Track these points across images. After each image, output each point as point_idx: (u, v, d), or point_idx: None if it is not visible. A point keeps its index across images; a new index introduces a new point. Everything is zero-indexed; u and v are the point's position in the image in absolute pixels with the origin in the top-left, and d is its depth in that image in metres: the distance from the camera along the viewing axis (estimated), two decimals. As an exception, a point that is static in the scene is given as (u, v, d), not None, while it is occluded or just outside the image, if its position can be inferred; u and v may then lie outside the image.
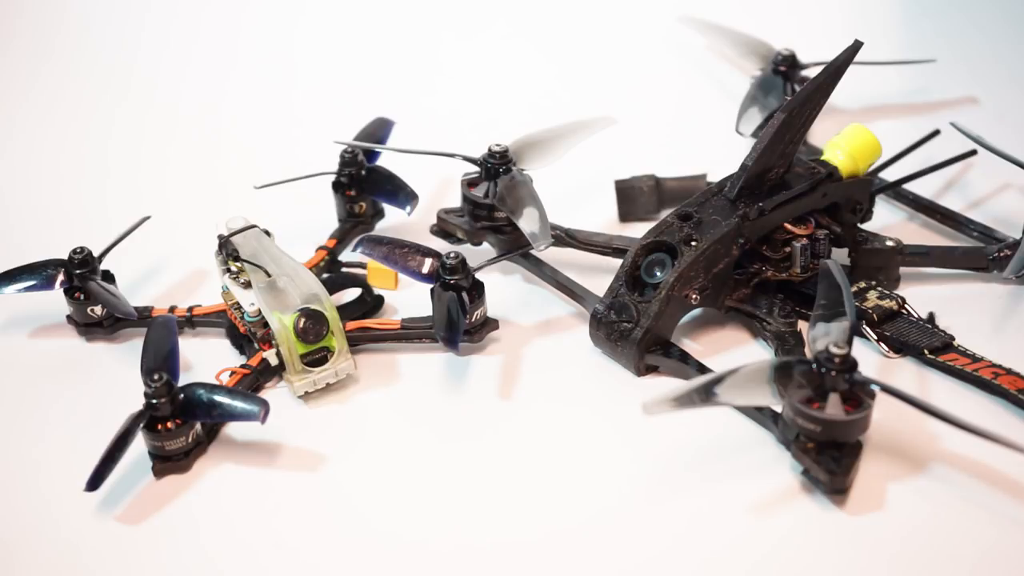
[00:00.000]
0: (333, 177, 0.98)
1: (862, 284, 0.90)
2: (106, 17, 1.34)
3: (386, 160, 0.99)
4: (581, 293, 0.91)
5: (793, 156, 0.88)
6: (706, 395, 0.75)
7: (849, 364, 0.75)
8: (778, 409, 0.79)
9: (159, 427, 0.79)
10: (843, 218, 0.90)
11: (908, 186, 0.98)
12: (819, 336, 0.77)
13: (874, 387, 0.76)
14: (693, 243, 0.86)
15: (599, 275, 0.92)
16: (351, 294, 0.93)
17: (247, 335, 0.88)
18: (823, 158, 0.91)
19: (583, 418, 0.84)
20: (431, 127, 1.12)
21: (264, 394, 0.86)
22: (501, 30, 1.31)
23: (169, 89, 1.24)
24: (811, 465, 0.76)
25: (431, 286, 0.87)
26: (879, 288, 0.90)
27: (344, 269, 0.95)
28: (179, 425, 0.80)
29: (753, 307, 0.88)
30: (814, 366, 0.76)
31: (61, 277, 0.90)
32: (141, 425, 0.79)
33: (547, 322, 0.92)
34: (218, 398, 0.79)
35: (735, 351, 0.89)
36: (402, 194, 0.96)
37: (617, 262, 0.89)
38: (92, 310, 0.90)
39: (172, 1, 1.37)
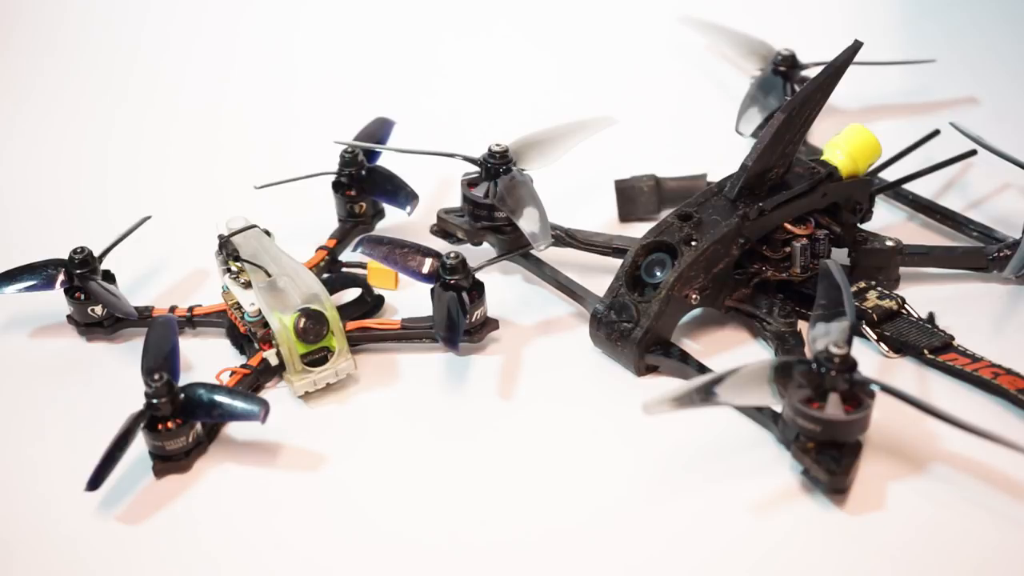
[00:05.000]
0: (333, 177, 0.98)
1: (862, 284, 0.90)
2: (106, 17, 1.34)
3: (386, 160, 0.99)
4: (581, 293, 0.91)
5: (793, 156, 0.88)
6: (706, 395, 0.75)
7: (849, 364, 0.75)
8: (778, 409, 0.79)
9: (159, 427, 0.79)
10: (843, 218, 0.90)
11: (908, 186, 0.98)
12: (819, 336, 0.77)
13: (874, 387, 0.76)
14: (693, 243, 0.86)
15: (599, 275, 0.92)
16: (351, 294, 0.92)
17: (247, 335, 0.88)
18: (823, 158, 0.91)
19: (583, 418, 0.84)
20: (431, 127, 1.12)
21: (264, 394, 0.86)
22: (501, 30, 1.31)
23: (169, 89, 1.24)
24: (811, 465, 0.76)
25: (431, 286, 0.87)
26: (879, 288, 0.90)
27: (344, 269, 0.95)
28: (179, 425, 0.80)
29: (753, 307, 0.88)
30: (814, 366, 0.76)
31: (61, 277, 0.90)
32: (141, 425, 0.79)
33: (547, 322, 0.92)
34: (218, 398, 0.79)
35: (735, 351, 0.89)
36: (402, 194, 0.96)
37: (617, 262, 0.89)
38: (92, 310, 0.90)
39: (172, 1, 1.37)
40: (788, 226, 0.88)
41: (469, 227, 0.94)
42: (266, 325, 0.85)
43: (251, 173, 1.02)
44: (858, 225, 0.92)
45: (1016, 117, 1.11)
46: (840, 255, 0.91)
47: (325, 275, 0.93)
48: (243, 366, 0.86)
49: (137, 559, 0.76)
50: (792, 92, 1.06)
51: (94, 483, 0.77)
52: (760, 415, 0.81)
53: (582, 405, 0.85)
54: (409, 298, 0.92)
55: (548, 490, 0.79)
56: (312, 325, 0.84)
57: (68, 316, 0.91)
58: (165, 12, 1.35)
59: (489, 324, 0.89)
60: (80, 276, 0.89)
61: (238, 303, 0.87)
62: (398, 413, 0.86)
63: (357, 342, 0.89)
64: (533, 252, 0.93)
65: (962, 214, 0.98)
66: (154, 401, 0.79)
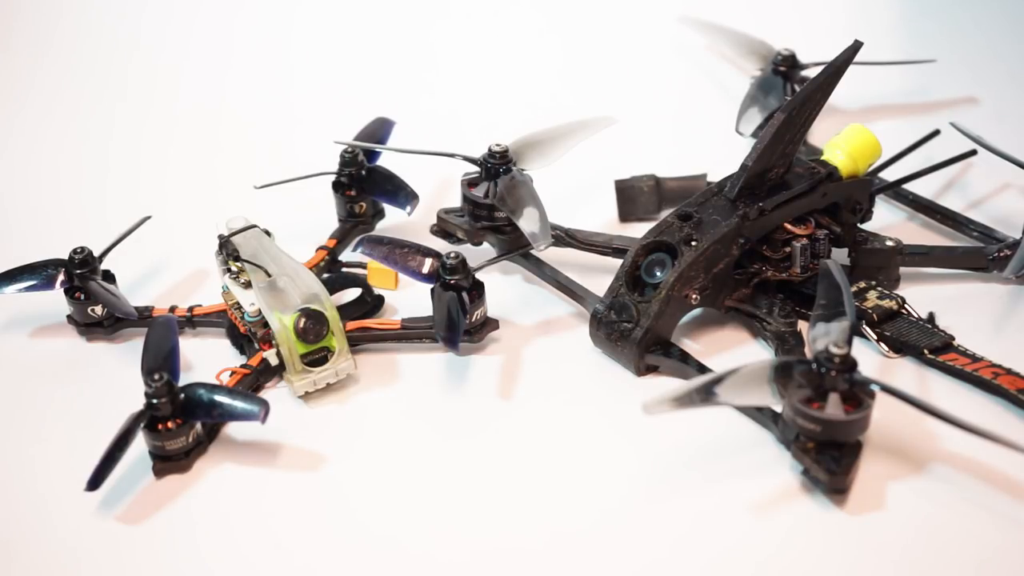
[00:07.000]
0: (333, 177, 0.98)
1: (862, 284, 0.90)
2: (105, 17, 1.34)
3: (386, 160, 0.99)
4: (581, 293, 0.91)
5: (793, 156, 0.88)
6: (706, 395, 0.75)
7: (849, 364, 0.75)
8: (778, 409, 0.79)
9: (160, 427, 0.79)
10: (843, 218, 0.90)
11: (908, 186, 0.98)
12: (819, 336, 0.77)
13: (874, 387, 0.76)
14: (693, 243, 0.86)
15: (599, 275, 0.92)
16: (351, 294, 0.93)
17: (247, 335, 0.88)
18: (823, 158, 0.91)
19: (583, 418, 0.84)
20: (431, 127, 1.12)
21: (264, 394, 0.86)
22: (501, 30, 1.31)
23: (169, 89, 1.24)
24: (811, 465, 0.76)
25: (431, 286, 0.87)
26: (879, 288, 0.90)
27: (344, 269, 0.95)
28: (179, 425, 0.80)
29: (753, 307, 0.88)
30: (814, 366, 0.76)
31: (61, 277, 0.90)
32: (142, 425, 0.79)
33: (547, 322, 0.92)
34: (218, 398, 0.79)
35: (735, 351, 0.89)
36: (402, 194, 0.96)
37: (617, 262, 0.89)
38: (92, 310, 0.90)
39: (170, 1, 1.37)
40: (788, 226, 0.88)
41: (469, 227, 0.94)
42: (266, 325, 0.85)
43: (251, 173, 1.02)
44: (858, 225, 0.92)
45: (1016, 117, 1.11)
46: (840, 255, 0.91)
47: (325, 275, 0.93)
48: (243, 366, 0.86)
49: (137, 559, 0.76)
50: (792, 92, 1.06)
51: (94, 483, 0.77)
52: (760, 415, 0.81)
53: (582, 405, 0.85)
54: (409, 298, 0.92)
55: (548, 490, 0.79)
56: (312, 325, 0.84)
57: (68, 316, 0.91)
58: (165, 12, 1.35)
59: (489, 324, 0.89)
60: (80, 276, 0.89)
61: (238, 303, 0.87)
62: (398, 413, 0.86)
63: (357, 342, 0.89)
64: (533, 252, 0.93)
65: (962, 214, 0.98)
66: (154, 401, 0.79)
